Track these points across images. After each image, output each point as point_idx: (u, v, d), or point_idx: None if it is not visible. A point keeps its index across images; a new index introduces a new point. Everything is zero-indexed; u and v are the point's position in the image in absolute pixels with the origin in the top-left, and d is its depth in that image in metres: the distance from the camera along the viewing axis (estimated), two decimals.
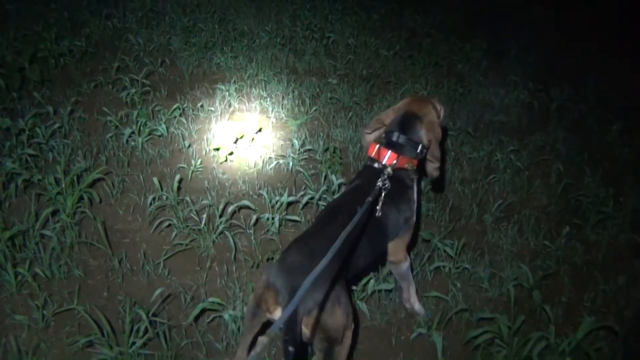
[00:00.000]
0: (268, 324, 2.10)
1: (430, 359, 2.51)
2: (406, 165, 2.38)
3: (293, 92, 4.45)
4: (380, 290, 2.74)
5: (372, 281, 2.74)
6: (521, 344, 2.46)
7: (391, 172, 2.31)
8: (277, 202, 3.14)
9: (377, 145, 2.43)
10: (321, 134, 3.98)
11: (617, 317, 2.79)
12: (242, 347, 2.23)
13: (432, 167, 2.42)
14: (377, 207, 2.25)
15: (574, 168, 3.89)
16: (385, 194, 2.26)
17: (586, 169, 3.82)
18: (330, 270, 1.93)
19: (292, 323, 1.79)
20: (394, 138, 2.39)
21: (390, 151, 2.37)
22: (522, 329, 2.56)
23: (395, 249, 2.46)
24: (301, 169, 3.52)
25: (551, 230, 3.33)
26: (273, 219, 3.06)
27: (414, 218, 2.46)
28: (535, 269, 3.02)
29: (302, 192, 3.28)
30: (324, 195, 3.23)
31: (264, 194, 3.22)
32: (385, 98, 4.50)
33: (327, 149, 3.66)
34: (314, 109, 4.25)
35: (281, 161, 3.64)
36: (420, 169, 2.48)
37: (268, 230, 3.07)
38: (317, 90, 4.55)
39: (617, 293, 2.93)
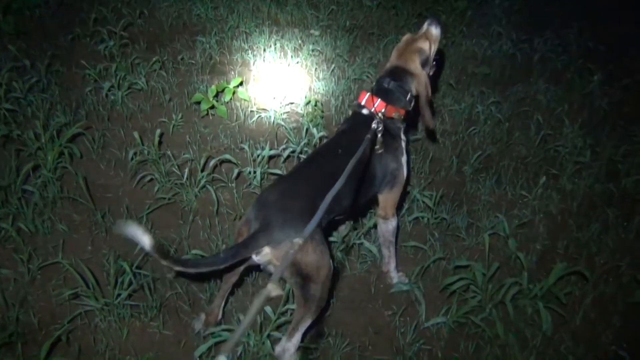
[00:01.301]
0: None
1: (408, 305, 2.60)
2: (394, 115, 2.41)
3: (275, 44, 4.39)
4: (361, 243, 2.81)
5: (352, 235, 2.81)
6: (495, 290, 2.56)
7: (382, 117, 2.34)
8: (258, 155, 3.15)
9: (368, 93, 2.45)
10: (303, 87, 3.96)
11: (588, 263, 2.89)
12: (219, 295, 2.33)
13: (425, 119, 2.46)
14: (376, 147, 2.31)
15: (553, 119, 3.93)
16: (372, 141, 2.28)
17: (565, 119, 3.85)
18: (306, 207, 1.99)
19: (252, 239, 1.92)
20: (385, 84, 2.42)
21: (379, 99, 2.40)
22: (496, 275, 2.66)
23: (385, 202, 2.50)
24: (283, 123, 3.52)
25: (529, 180, 3.40)
26: (255, 172, 3.09)
27: (403, 171, 2.47)
28: (511, 218, 3.10)
29: (283, 146, 3.30)
30: (305, 149, 3.25)
31: (246, 147, 3.24)
32: (368, 50, 4.46)
33: (308, 102, 3.66)
34: (296, 61, 4.21)
35: (263, 115, 3.64)
36: (408, 119, 2.52)
37: (250, 184, 3.11)
38: (300, 42, 4.49)
39: (589, 240, 3.03)
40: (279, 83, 3.97)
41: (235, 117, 3.62)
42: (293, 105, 3.76)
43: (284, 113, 3.66)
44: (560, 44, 4.85)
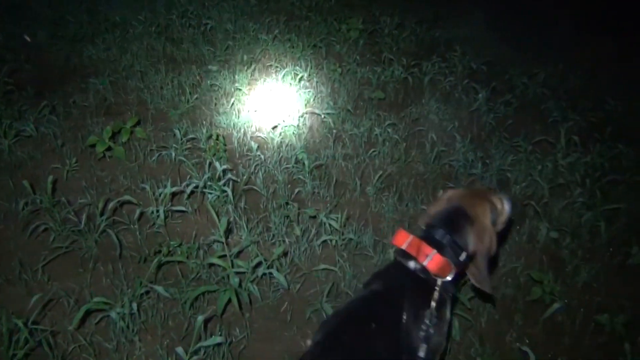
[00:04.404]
0: None
1: None
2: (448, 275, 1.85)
3: (172, 81, 4.36)
4: (270, 274, 2.78)
5: (263, 264, 2.79)
6: None
7: (441, 281, 1.81)
8: (160, 194, 3.08)
9: (411, 236, 1.88)
10: (204, 122, 3.95)
11: None
12: None
13: (473, 276, 1.93)
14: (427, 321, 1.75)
15: (446, 136, 4.16)
16: (416, 308, 1.77)
17: (457, 135, 4.09)
18: None
19: None
20: (438, 236, 1.86)
21: (435, 251, 1.81)
22: None
23: None
24: (184, 159, 3.47)
25: (428, 195, 3.56)
26: (158, 211, 3.01)
27: (443, 344, 1.87)
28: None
29: (186, 182, 3.24)
30: (209, 183, 3.22)
31: (147, 187, 3.14)
32: (267, 82, 4.53)
33: (210, 136, 3.64)
34: (195, 97, 4.20)
35: (163, 152, 3.57)
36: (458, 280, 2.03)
37: (154, 224, 3.02)
38: (198, 78, 4.49)
39: None
40: (179, 120, 3.93)
41: (134, 157, 3.53)
42: (194, 140, 3.73)
43: (185, 149, 3.61)
44: (447, 67, 5.17)
